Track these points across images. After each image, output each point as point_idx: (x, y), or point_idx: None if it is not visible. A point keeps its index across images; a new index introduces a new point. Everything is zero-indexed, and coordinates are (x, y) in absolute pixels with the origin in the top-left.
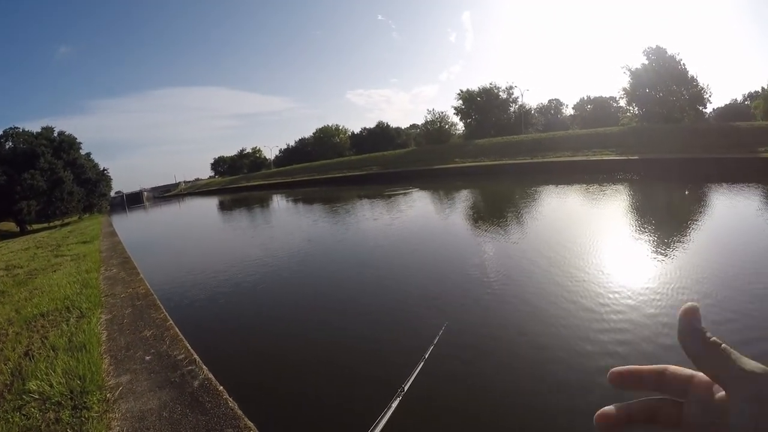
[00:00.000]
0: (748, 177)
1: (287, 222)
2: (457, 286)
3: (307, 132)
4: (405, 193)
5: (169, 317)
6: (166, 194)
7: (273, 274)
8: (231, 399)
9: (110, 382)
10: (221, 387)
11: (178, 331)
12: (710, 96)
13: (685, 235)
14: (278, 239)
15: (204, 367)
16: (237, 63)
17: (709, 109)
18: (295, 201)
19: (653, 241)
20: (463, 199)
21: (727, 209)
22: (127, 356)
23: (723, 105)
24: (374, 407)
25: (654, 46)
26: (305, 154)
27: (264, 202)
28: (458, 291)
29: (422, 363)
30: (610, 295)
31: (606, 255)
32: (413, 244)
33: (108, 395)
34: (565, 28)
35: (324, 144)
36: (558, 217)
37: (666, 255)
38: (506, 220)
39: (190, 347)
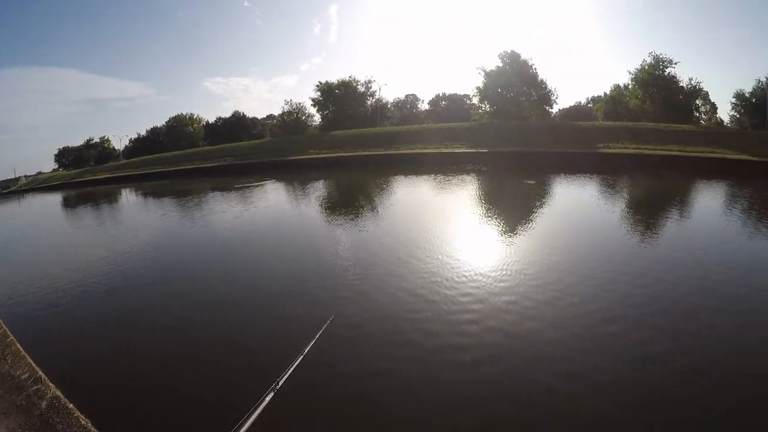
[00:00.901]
0: (588, 169)
1: (137, 218)
2: (340, 279)
3: (161, 121)
4: (260, 185)
5: (9, 332)
6: (5, 191)
7: (123, 274)
8: (83, 416)
9: None
10: (71, 405)
11: (20, 347)
12: (557, 98)
13: (529, 219)
14: (126, 237)
15: (51, 384)
16: (89, 41)
17: (555, 109)
18: (145, 195)
19: (501, 226)
20: (321, 190)
21: (568, 197)
22: None
23: (568, 106)
24: (246, 403)
25: (509, 51)
26: (157, 145)
27: (111, 198)
28: (341, 283)
29: (301, 357)
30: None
31: (467, 240)
32: (280, 237)
33: None
34: (426, 28)
35: (177, 134)
36: (417, 206)
37: (512, 236)
38: (365, 210)
39: (34, 364)
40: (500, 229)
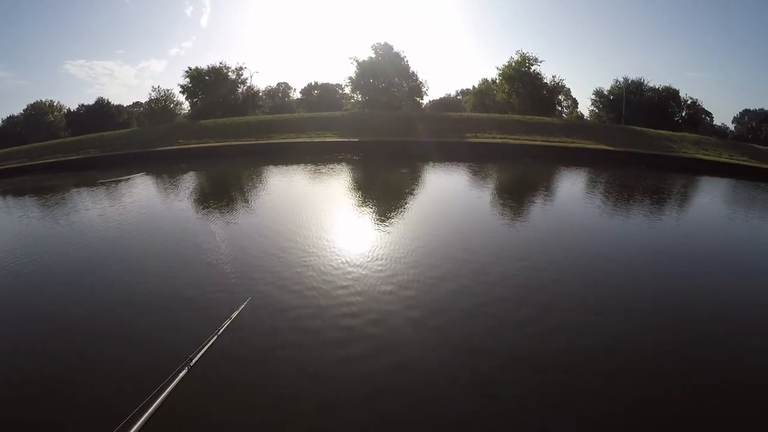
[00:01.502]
0: (458, 157)
1: (11, 221)
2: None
3: (18, 108)
4: (127, 179)
5: None
6: None
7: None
8: None
9: None
10: None
11: None
12: (428, 89)
13: (404, 206)
14: None
15: None
16: None
17: (426, 100)
18: (3, 194)
19: (376, 213)
20: (198, 182)
21: (439, 184)
22: None
23: (438, 98)
24: (160, 379)
25: (382, 43)
26: (15, 136)
27: None
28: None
29: (215, 337)
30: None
31: (347, 227)
32: (162, 227)
33: None
34: (299, 16)
35: (37, 123)
36: (293, 196)
37: (386, 223)
38: (243, 201)
39: None
40: (376, 216)
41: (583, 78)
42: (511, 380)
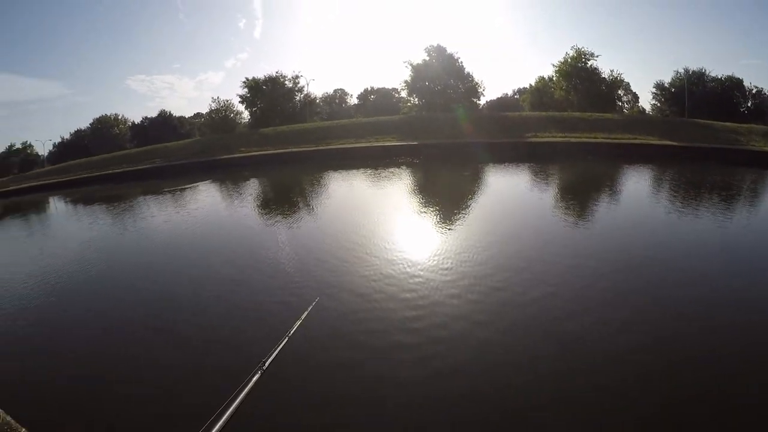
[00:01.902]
0: (518, 158)
1: (71, 226)
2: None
3: (83, 123)
4: (192, 187)
5: None
6: None
7: (70, 280)
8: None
9: None
10: (9, 417)
11: None
12: (484, 90)
13: (464, 210)
14: (64, 245)
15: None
16: None
17: (482, 101)
18: (75, 202)
19: (440, 215)
20: (259, 189)
21: (504, 185)
22: None
23: (495, 98)
24: (234, 384)
25: (435, 45)
26: (82, 149)
27: (40, 207)
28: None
29: (285, 340)
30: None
31: (418, 230)
32: (232, 232)
33: None
34: (352, 22)
35: (103, 136)
36: (354, 200)
37: (452, 224)
38: (306, 206)
39: None
40: (438, 219)
41: (641, 71)
42: (585, 385)
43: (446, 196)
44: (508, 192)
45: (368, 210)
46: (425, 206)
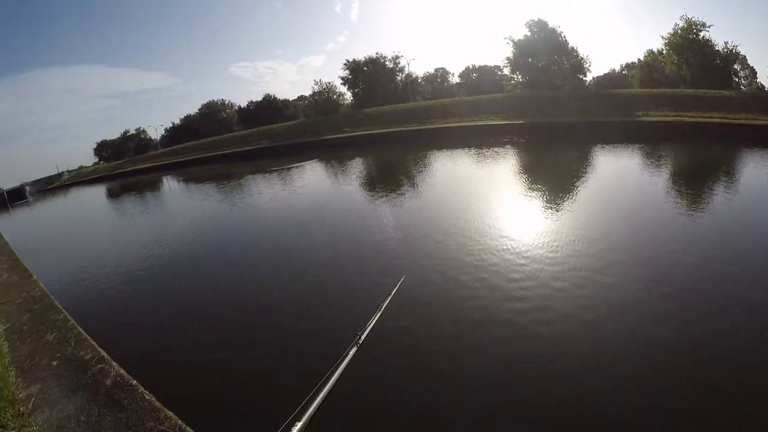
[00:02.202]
0: (627, 139)
1: (183, 202)
2: (412, 244)
3: (192, 109)
4: (299, 166)
5: (69, 317)
6: (50, 186)
7: (182, 253)
8: (147, 392)
9: (21, 395)
10: (135, 381)
11: (81, 330)
12: (590, 65)
13: (574, 194)
14: (176, 220)
15: (114, 363)
16: (112, 37)
17: (589, 77)
18: (186, 181)
19: (549, 197)
20: (363, 167)
21: (617, 168)
22: (33, 365)
23: (602, 74)
24: (331, 356)
25: (536, 19)
26: (192, 132)
27: (154, 185)
28: (413, 248)
29: (378, 313)
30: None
31: (521, 212)
32: (332, 208)
33: (21, 408)
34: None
35: (211, 120)
36: (457, 180)
37: (560, 208)
38: (412, 185)
39: (96, 345)
40: (544, 203)
41: (759, 43)
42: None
43: (553, 178)
44: (621, 176)
45: (471, 191)
46: (530, 189)
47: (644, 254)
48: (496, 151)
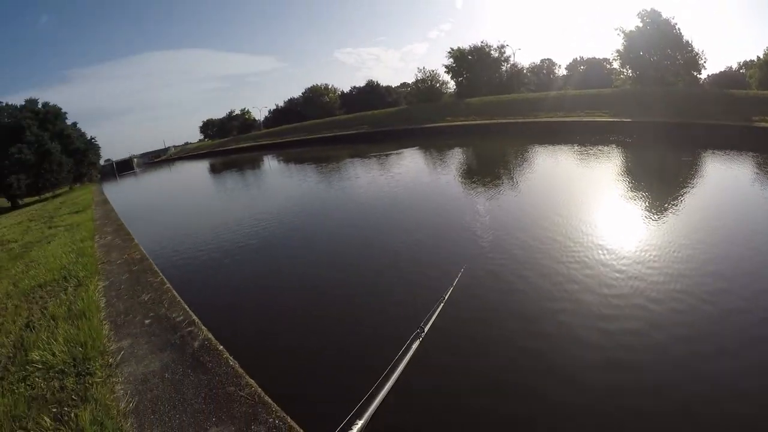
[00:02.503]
0: (743, 145)
1: (281, 182)
2: (473, 235)
3: (296, 92)
4: (398, 153)
5: (165, 280)
6: (156, 159)
7: (268, 233)
8: (231, 358)
9: (111, 347)
10: (221, 347)
11: (175, 293)
12: (705, 62)
13: (681, 203)
14: (268, 200)
15: (203, 327)
16: (221, 23)
17: (703, 75)
18: (287, 162)
19: (655, 207)
20: (458, 157)
21: (727, 178)
22: (126, 321)
23: (718, 72)
24: (394, 345)
25: (649, 9)
26: (295, 115)
27: (255, 164)
28: (473, 239)
29: (441, 305)
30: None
31: (607, 217)
32: (420, 197)
33: (110, 360)
34: None
35: (313, 104)
36: (558, 177)
37: (659, 219)
38: (505, 178)
39: (188, 309)
40: (648, 210)
41: None
42: None
43: (661, 183)
44: (735, 189)
45: (568, 191)
46: (633, 194)
47: (755, 287)
48: (600, 150)
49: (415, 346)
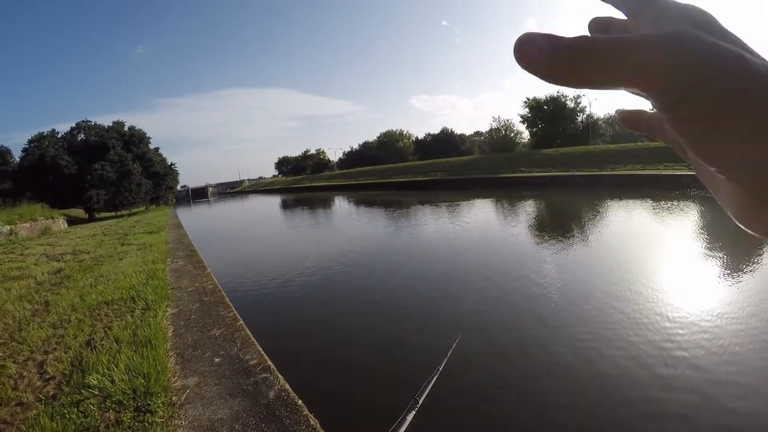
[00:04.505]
0: None
1: (349, 224)
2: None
3: (371, 136)
4: (468, 202)
5: (239, 317)
6: (230, 190)
7: (330, 276)
8: (312, 416)
9: (176, 384)
10: (300, 401)
11: (249, 332)
12: None
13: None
14: (340, 240)
15: (279, 375)
16: (306, 66)
17: None
18: (357, 203)
19: (724, 269)
20: (533, 210)
21: None
22: (194, 356)
23: None
24: (388, 418)
25: None
26: (369, 158)
27: (326, 203)
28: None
29: (436, 375)
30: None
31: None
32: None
33: (174, 398)
34: None
35: (388, 148)
36: (628, 234)
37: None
38: (564, 234)
39: (262, 352)
40: (731, 270)
41: None
42: None
43: (736, 244)
44: None
45: (643, 249)
46: (710, 255)
47: None
48: (676, 205)
49: (410, 417)
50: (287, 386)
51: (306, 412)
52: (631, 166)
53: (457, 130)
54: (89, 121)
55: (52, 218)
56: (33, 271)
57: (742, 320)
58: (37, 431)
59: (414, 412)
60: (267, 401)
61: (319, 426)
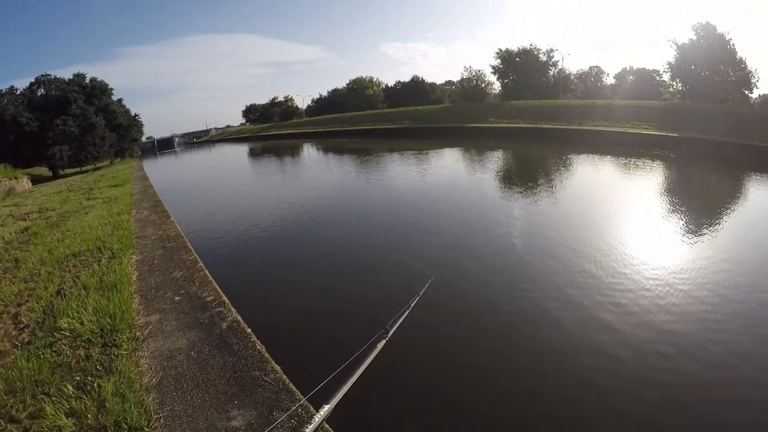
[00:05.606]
0: None
1: (315, 171)
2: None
3: (340, 83)
4: (436, 151)
5: (198, 259)
6: (197, 140)
7: (299, 219)
8: (259, 342)
9: (140, 321)
10: (249, 330)
11: (207, 272)
12: (758, 81)
13: (725, 226)
14: (304, 187)
15: (233, 308)
16: (273, 10)
17: (755, 94)
18: (325, 151)
19: (687, 227)
20: (495, 161)
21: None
22: (156, 296)
23: None
24: (360, 345)
25: (704, 22)
26: (337, 105)
27: (294, 151)
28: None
29: (408, 310)
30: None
31: (646, 237)
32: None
33: (137, 334)
34: None
35: (357, 96)
36: (595, 189)
37: (698, 242)
38: (536, 185)
39: (219, 289)
40: (690, 231)
41: None
42: None
43: (701, 205)
44: None
45: (602, 206)
46: (674, 212)
47: None
48: (641, 164)
49: (381, 345)
50: (239, 317)
51: (254, 338)
52: (598, 123)
53: (429, 79)
54: (49, 75)
55: (16, 178)
56: (0, 232)
57: (684, 272)
58: (15, 372)
59: (384, 341)
60: (220, 331)
61: (264, 350)
